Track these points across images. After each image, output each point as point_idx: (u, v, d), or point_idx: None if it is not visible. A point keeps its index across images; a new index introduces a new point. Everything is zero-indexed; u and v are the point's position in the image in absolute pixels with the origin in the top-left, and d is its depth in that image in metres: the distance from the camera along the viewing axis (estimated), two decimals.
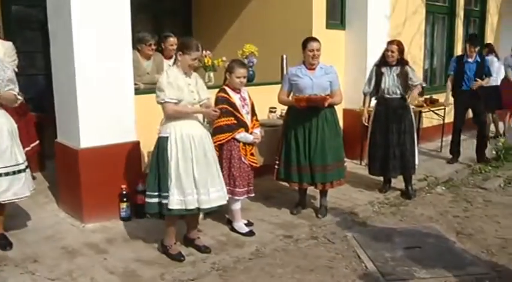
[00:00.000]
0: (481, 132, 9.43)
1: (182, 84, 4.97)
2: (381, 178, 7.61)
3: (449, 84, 9.47)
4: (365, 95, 7.51)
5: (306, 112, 6.15)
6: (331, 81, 6.31)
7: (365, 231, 6.16)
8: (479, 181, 8.41)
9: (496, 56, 11.38)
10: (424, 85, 7.71)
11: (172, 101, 4.91)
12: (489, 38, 12.92)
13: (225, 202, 5.32)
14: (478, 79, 8.95)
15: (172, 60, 5.39)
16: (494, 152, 9.57)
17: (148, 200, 5.09)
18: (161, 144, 5.02)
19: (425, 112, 9.84)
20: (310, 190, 6.73)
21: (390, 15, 9.27)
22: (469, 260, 5.39)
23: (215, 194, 5.15)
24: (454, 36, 11.72)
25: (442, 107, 10.19)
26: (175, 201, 4.95)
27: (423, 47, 10.70)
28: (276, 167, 6.47)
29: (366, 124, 7.51)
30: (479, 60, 9.11)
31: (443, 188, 8.02)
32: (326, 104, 6.13)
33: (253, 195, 6.04)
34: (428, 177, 8.28)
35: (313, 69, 6.28)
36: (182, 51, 5.01)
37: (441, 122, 10.27)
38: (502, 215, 6.80)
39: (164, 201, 4.98)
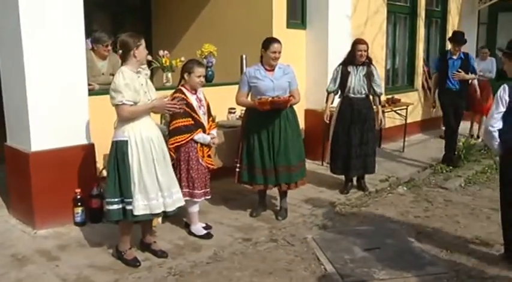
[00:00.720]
0: (452, 138, 9.30)
1: (137, 85, 4.85)
2: (342, 178, 7.58)
3: (434, 83, 9.48)
4: (329, 93, 7.45)
5: (267, 113, 6.05)
6: (289, 81, 6.25)
7: (325, 233, 6.08)
8: (440, 181, 8.40)
9: None
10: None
11: (129, 103, 4.78)
12: None
13: (183, 203, 5.28)
14: (460, 70, 8.92)
15: None
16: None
17: (109, 207, 4.93)
18: (120, 148, 4.86)
19: (387, 112, 9.81)
20: (270, 192, 6.64)
21: (352, 15, 9.24)
22: (428, 260, 5.37)
23: (177, 195, 5.14)
24: (416, 37, 11.74)
25: (404, 107, 10.21)
26: (140, 207, 4.87)
27: (385, 47, 10.70)
28: (238, 170, 6.34)
29: (327, 121, 7.47)
30: (463, 56, 9.05)
31: (405, 188, 7.98)
32: (288, 106, 6.10)
33: (209, 197, 5.93)
34: (390, 178, 8.24)
35: (272, 70, 6.19)
36: (136, 46, 4.87)
37: (403, 122, 10.28)
38: (461, 215, 6.80)
39: (128, 207, 4.87)
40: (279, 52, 6.12)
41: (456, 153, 9.35)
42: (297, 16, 8.90)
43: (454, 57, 9.04)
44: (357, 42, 7.23)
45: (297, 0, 8.89)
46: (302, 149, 6.43)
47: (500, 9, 14.20)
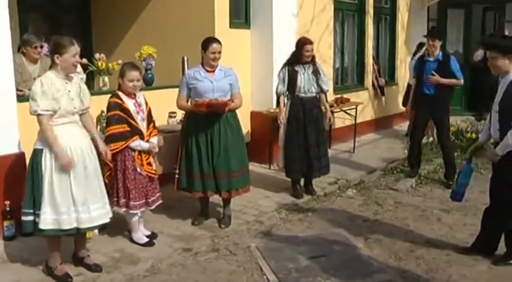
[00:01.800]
0: (445, 153, 8.24)
1: (60, 92, 4.56)
2: (289, 182, 7.38)
3: (412, 88, 8.57)
4: (279, 95, 7.24)
5: (206, 117, 5.85)
6: (231, 84, 6.06)
7: (269, 241, 5.85)
8: (391, 182, 8.22)
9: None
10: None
11: (47, 112, 4.50)
12: (400, 36, 12.94)
13: (107, 220, 4.95)
14: (434, 73, 7.88)
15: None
16: (406, 152, 9.44)
17: (23, 218, 4.69)
18: (35, 157, 4.61)
19: (336, 112, 9.64)
20: (214, 198, 6.37)
21: (297, 13, 9.04)
22: (376, 267, 5.23)
23: (97, 212, 4.79)
24: (365, 34, 11.59)
25: (354, 107, 10.05)
26: (47, 221, 4.56)
27: (333, 46, 10.51)
28: (177, 176, 6.11)
29: (282, 125, 7.24)
30: (441, 58, 8.02)
31: (354, 190, 7.77)
32: (226, 110, 5.88)
33: (151, 207, 5.67)
34: (340, 180, 8.07)
35: (213, 71, 5.98)
36: (59, 52, 4.58)
37: (353, 122, 10.13)
38: (411, 218, 6.66)
39: (38, 219, 4.57)
40: (219, 52, 5.94)
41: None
42: (241, 15, 8.64)
43: (431, 59, 8.05)
44: (305, 43, 7.05)
45: None
46: (244, 154, 6.23)
47: (449, 5, 14.26)
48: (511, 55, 5.01)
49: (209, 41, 5.98)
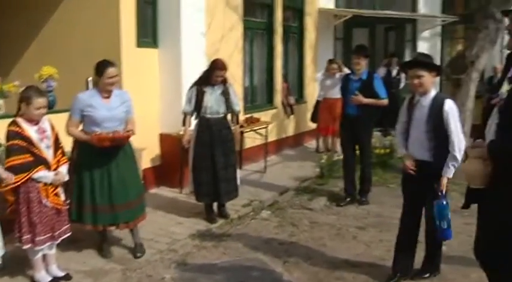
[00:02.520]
0: (363, 172, 8.10)
1: None
2: (202, 207, 7.12)
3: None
4: (185, 115, 6.99)
5: (102, 148, 5.48)
6: (126, 111, 5.74)
7: (184, 271, 5.57)
8: (304, 201, 8.13)
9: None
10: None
11: None
12: (308, 55, 13.01)
13: None
14: (358, 93, 7.59)
15: None
16: (318, 169, 9.41)
17: None
18: None
19: (246, 132, 9.49)
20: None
21: (206, 32, 8.83)
22: None
23: None
24: (273, 53, 11.56)
25: (264, 126, 9.94)
26: None
27: (242, 64, 10.40)
28: (67, 207, 5.59)
29: (187, 146, 6.99)
30: (365, 77, 7.72)
31: (269, 212, 7.61)
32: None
33: (58, 241, 5.20)
34: (253, 202, 7.88)
35: (109, 97, 5.62)
36: None
37: (264, 141, 10.06)
38: (328, 237, 6.58)
39: None
40: (116, 75, 5.59)
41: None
42: (148, 34, 8.33)
43: (355, 77, 7.74)
44: (216, 68, 6.77)
45: (147, 18, 8.34)
46: (140, 182, 6.02)
47: (354, 25, 14.55)
48: (436, 74, 5.04)
49: (104, 65, 5.56)
